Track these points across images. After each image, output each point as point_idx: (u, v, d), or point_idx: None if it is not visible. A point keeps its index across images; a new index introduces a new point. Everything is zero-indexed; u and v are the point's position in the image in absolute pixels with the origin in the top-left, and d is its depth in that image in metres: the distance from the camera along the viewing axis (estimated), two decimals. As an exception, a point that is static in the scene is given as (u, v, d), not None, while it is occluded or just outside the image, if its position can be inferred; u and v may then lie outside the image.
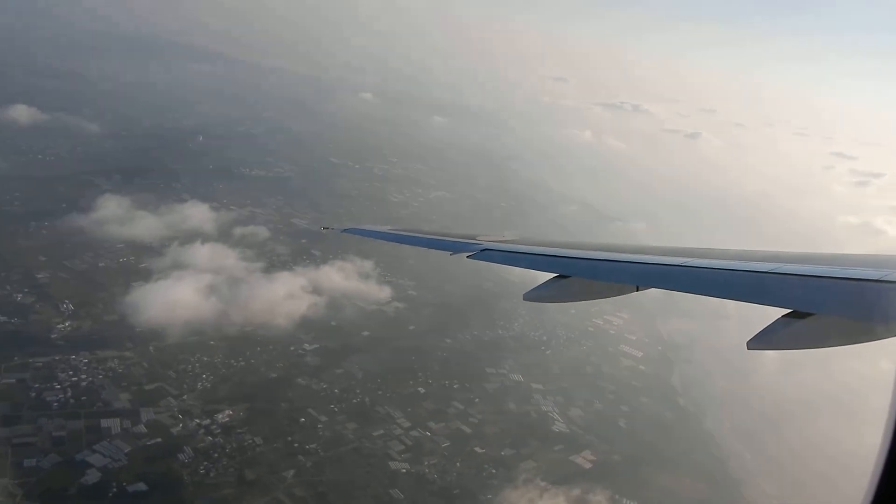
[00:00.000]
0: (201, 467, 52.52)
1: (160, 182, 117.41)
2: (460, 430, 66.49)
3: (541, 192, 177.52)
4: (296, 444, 57.94)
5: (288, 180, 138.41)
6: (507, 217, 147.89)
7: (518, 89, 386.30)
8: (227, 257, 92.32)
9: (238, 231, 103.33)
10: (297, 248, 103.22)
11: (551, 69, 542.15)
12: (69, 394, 57.29)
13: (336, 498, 53.17)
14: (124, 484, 48.98)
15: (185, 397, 60.73)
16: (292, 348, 73.81)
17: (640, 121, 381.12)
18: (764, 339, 6.02)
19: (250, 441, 56.86)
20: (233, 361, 68.17)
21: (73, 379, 59.39)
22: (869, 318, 5.94)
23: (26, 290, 73.01)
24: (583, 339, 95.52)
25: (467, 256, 9.65)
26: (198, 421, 57.74)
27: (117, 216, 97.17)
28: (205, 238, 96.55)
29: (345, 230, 14.30)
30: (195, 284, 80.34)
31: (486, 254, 9.53)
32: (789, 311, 6.05)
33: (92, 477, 49.03)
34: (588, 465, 65.28)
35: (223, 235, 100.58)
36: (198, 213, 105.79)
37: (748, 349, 6.13)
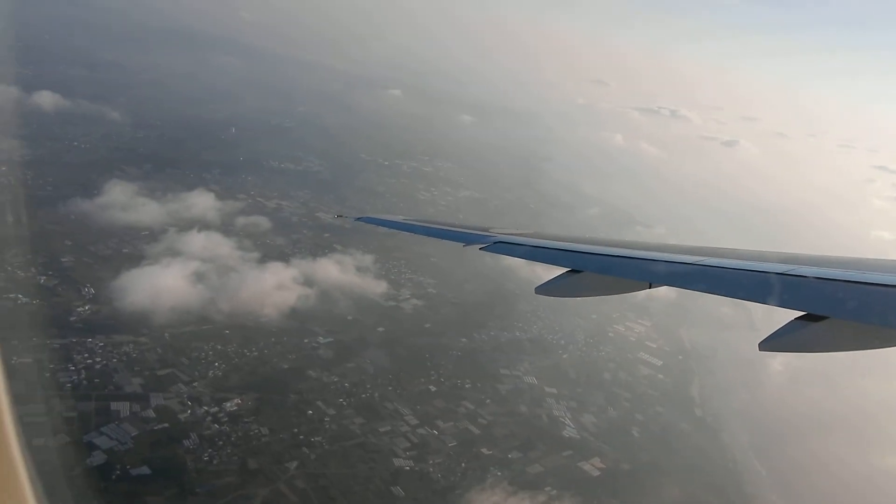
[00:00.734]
0: (205, 454, 52.91)
1: (190, 172, 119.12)
2: (468, 430, 66.01)
3: (570, 193, 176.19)
4: (301, 436, 58.03)
5: (317, 174, 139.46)
6: (534, 218, 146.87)
7: (556, 91, 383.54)
8: (226, 246, 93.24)
9: (244, 220, 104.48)
10: (305, 239, 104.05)
11: (592, 73, 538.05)
12: (83, 375, 58.20)
13: (337, 492, 53.13)
14: (128, 467, 49.55)
15: (195, 384, 61.32)
16: (306, 340, 74.11)
17: (676, 126, 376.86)
18: (776, 341, 5.97)
19: (256, 431, 57.14)
20: (246, 351, 68.68)
21: (88, 361, 60.34)
22: (885, 323, 5.77)
23: (50, 272, 74.45)
24: (602, 344, 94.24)
25: (480, 248, 9.73)
26: (206, 408, 58.22)
27: (142, 204, 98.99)
28: (225, 227, 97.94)
29: (358, 218, 14.43)
30: (185, 271, 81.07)
31: (499, 246, 9.56)
32: (803, 313, 5.98)
33: (97, 458, 49.72)
34: (596, 473, 64.25)
35: (246, 225, 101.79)
36: (224, 204, 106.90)
37: (760, 350, 6.12)
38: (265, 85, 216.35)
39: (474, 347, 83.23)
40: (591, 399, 78.25)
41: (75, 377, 57.84)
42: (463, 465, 60.25)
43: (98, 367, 60.23)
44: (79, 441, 51.29)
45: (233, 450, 54.24)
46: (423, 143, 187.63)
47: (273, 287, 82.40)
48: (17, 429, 5.29)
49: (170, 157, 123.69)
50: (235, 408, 59.17)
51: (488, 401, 71.88)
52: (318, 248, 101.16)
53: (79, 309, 68.17)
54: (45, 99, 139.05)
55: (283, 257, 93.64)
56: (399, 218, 13.65)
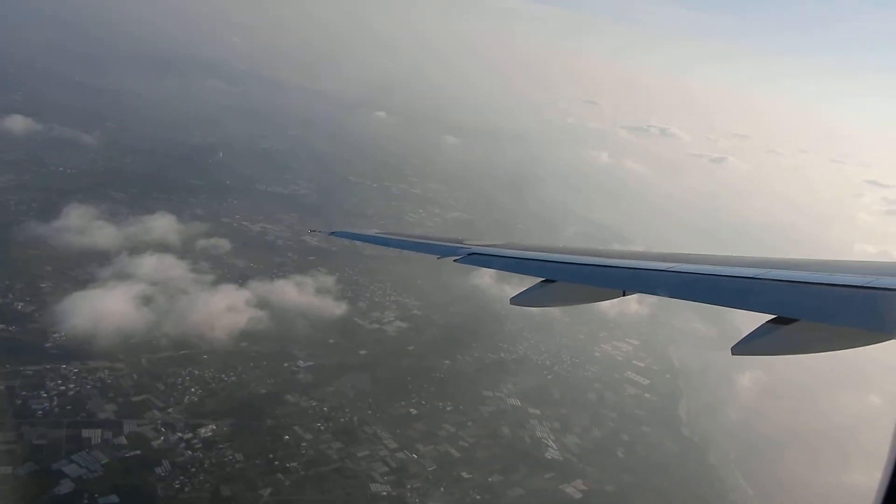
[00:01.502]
0: (177, 482, 52.08)
1: (175, 196, 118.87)
2: (449, 453, 65.20)
3: (558, 212, 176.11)
4: (277, 462, 57.22)
5: (304, 197, 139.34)
6: (523, 238, 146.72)
7: (543, 111, 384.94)
8: (178, 268, 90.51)
9: (202, 243, 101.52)
10: (290, 262, 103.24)
11: (583, 94, 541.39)
12: (55, 402, 57.48)
13: (311, 518, 52.31)
14: (96, 496, 48.72)
15: (170, 410, 60.57)
16: (286, 364, 73.44)
17: (665, 144, 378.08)
18: (748, 345, 6.07)
19: (230, 457, 56.34)
20: (223, 376, 67.97)
21: (61, 388, 59.65)
22: (853, 324, 5.84)
23: (28, 298, 73.94)
24: (588, 364, 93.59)
25: (454, 260, 9.60)
26: (180, 434, 57.43)
27: (98, 228, 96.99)
28: (183, 250, 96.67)
29: (332, 233, 14.49)
30: (130, 294, 78.57)
31: (473, 258, 9.50)
32: (774, 316, 6.07)
33: (65, 487, 48.88)
34: (578, 495, 63.48)
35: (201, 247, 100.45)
36: (185, 226, 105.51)
37: (732, 354, 6.12)
38: (255, 109, 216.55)
39: (457, 369, 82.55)
40: (575, 420, 77.51)
41: (47, 404, 57.17)
42: (442, 489, 59.45)
43: (71, 393, 59.59)
44: (47, 469, 50.50)
45: (205, 476, 53.42)
46: (412, 165, 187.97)
47: (223, 309, 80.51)
48: None
49: (155, 182, 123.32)
50: (210, 433, 58.41)
51: (470, 423, 71.12)
52: (303, 270, 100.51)
53: (55, 335, 67.49)
54: (17, 123, 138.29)
55: (244, 279, 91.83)
56: (373, 232, 13.63)
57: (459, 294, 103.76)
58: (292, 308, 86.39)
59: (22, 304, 72.50)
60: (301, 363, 74.30)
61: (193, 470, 53.68)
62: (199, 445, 56.66)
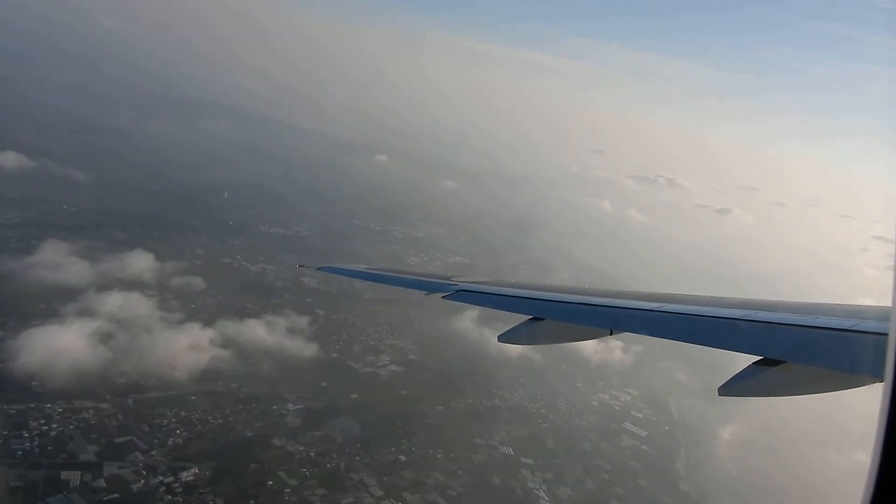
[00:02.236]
0: (153, 527, 51.05)
1: (176, 235, 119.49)
2: (436, 502, 63.81)
3: (561, 258, 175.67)
4: (257, 508, 56.09)
5: (305, 239, 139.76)
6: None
7: (549, 158, 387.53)
8: (144, 306, 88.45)
9: (176, 281, 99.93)
10: (287, 303, 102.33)
11: (591, 142, 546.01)
12: (36, 443, 56.85)
13: (288, 569, 50.92)
14: (69, 540, 47.73)
15: (153, 453, 59.71)
16: (275, 407, 72.55)
17: (671, 194, 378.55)
18: (734, 386, 6.13)
19: (211, 502, 55.23)
20: (210, 418, 67.16)
21: (44, 428, 59.04)
22: (838, 367, 5.92)
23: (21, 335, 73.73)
24: (585, 413, 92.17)
25: (442, 297, 9.60)
26: (161, 478, 56.47)
27: (72, 264, 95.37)
28: (157, 288, 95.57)
29: (320, 268, 14.40)
30: (87, 331, 76.80)
31: (462, 294, 9.52)
32: (760, 358, 6.13)
33: (38, 531, 47.95)
34: (568, 550, 61.68)
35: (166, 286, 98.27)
36: (163, 264, 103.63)
37: (719, 395, 6.26)
38: (264, 152, 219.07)
39: (450, 415, 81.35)
40: (568, 470, 75.93)
41: (28, 444, 56.53)
42: (426, 540, 57.91)
43: (53, 433, 58.94)
44: (21, 512, 49.55)
45: (183, 522, 52.30)
46: (416, 209, 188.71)
47: (186, 348, 78.85)
48: None
49: (158, 221, 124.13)
50: (192, 478, 57.42)
51: (460, 472, 69.75)
52: (299, 312, 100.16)
53: (41, 374, 66.95)
54: (23, 161, 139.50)
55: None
56: (361, 267, 13.72)
57: (457, 339, 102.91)
58: (285, 350, 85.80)
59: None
60: (290, 406, 73.42)
61: (171, 515, 52.61)
62: (180, 490, 55.65)
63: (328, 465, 64.52)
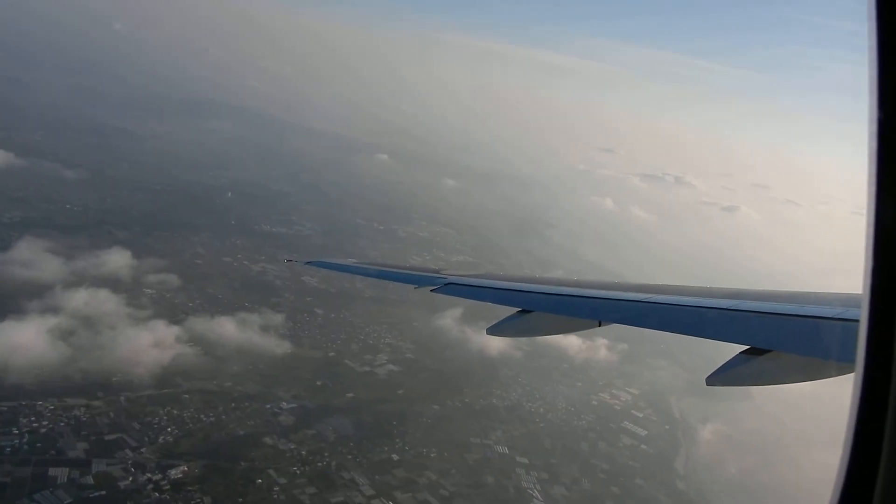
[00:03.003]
0: (139, 525, 50.90)
1: (178, 234, 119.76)
2: (427, 501, 63.39)
3: (565, 256, 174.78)
4: (245, 506, 55.85)
5: (308, 238, 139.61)
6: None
7: (556, 158, 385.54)
8: (111, 303, 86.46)
9: (151, 279, 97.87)
10: (286, 302, 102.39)
11: (602, 142, 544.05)
12: (25, 440, 56.89)
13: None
14: (53, 537, 47.65)
15: (143, 450, 59.61)
16: (268, 406, 72.33)
17: (678, 192, 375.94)
18: (722, 376, 6.14)
19: (198, 500, 55.02)
20: (203, 416, 67.03)
21: (34, 425, 59.09)
22: (824, 355, 5.96)
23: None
24: (584, 412, 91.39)
25: (431, 290, 9.52)
26: (149, 475, 56.34)
27: (44, 261, 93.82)
28: (129, 286, 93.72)
29: (308, 262, 14.53)
30: (48, 327, 75.13)
31: (450, 288, 9.48)
32: (748, 347, 6.14)
33: (22, 528, 47.91)
34: (560, 550, 61.04)
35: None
36: (140, 262, 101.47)
37: (707, 385, 6.32)
38: (271, 152, 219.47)
39: (446, 415, 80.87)
40: (564, 470, 75.27)
41: (17, 441, 56.57)
42: (415, 539, 57.46)
43: (43, 430, 58.96)
44: (7, 509, 49.56)
45: (169, 520, 52.14)
46: (421, 208, 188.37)
47: (149, 345, 77.41)
48: None
49: (160, 220, 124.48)
50: (180, 475, 57.25)
51: (453, 471, 69.26)
52: (298, 311, 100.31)
53: (35, 371, 67.10)
54: (14, 159, 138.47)
55: (151, 316, 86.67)
56: (350, 261, 13.79)
57: (456, 338, 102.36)
58: (281, 349, 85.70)
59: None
60: (284, 405, 73.17)
61: (158, 513, 52.47)
62: (168, 487, 55.49)
63: (319, 464, 64.22)
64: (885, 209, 2.55)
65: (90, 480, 54.40)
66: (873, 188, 2.55)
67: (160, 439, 61.83)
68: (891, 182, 2.52)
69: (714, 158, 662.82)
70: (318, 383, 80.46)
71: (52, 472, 54.18)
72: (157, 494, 54.38)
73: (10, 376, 65.03)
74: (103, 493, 53.40)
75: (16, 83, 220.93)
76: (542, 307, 8.38)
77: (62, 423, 60.39)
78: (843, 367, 5.52)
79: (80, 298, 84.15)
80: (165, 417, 65.25)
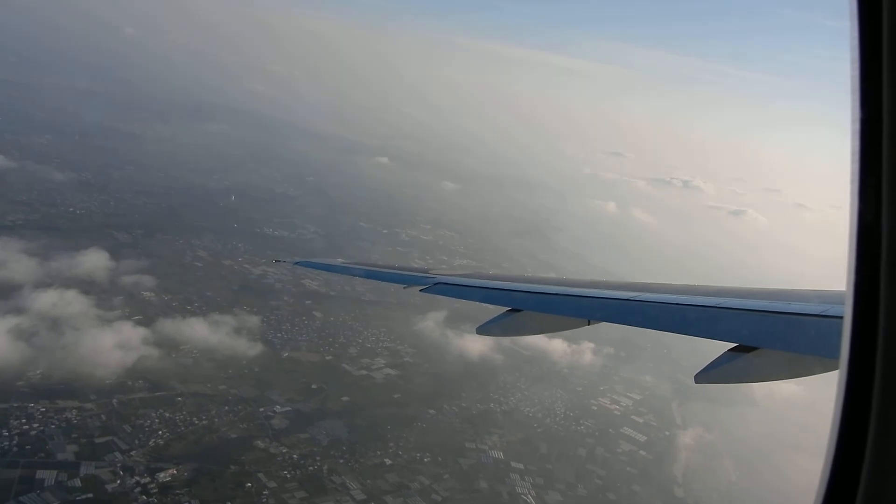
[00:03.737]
0: (124, 528, 50.68)
1: (179, 237, 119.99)
2: (419, 507, 62.81)
3: (572, 261, 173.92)
4: (233, 510, 55.53)
5: (310, 241, 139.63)
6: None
7: (564, 162, 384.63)
8: (79, 304, 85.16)
9: (128, 280, 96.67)
10: (286, 306, 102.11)
11: (613, 146, 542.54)
12: (15, 441, 56.86)
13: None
14: (37, 540, 47.50)
15: (132, 453, 59.43)
16: (262, 409, 72.03)
17: (685, 196, 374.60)
18: (710, 374, 6.19)
19: (186, 503, 54.79)
20: (195, 419, 66.82)
21: (25, 427, 59.10)
22: (810, 352, 6.03)
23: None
24: (583, 417, 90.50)
25: (420, 290, 9.55)
26: (137, 478, 56.12)
27: (17, 261, 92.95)
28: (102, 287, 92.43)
29: (297, 262, 14.54)
30: (8, 327, 74.04)
31: (439, 287, 9.50)
32: (735, 345, 6.18)
33: (7, 530, 47.80)
34: (551, 557, 60.31)
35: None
36: (118, 264, 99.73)
37: (696, 383, 6.35)
38: (277, 155, 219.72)
39: (442, 419, 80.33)
40: (560, 476, 74.48)
41: (7, 443, 56.60)
42: (404, 545, 56.93)
43: (34, 432, 58.91)
44: (-8, 511, 49.47)
45: (155, 524, 51.89)
46: (425, 212, 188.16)
47: (112, 346, 75.99)
48: None
49: (162, 223, 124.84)
50: (169, 478, 57.01)
51: (446, 476, 68.69)
52: (297, 314, 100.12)
53: (29, 373, 67.25)
54: (19, 164, 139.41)
55: (117, 317, 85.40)
56: (339, 261, 13.87)
57: (456, 343, 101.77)
58: (276, 352, 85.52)
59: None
60: (278, 408, 72.85)
61: (144, 516, 52.24)
62: (155, 490, 55.25)
63: (310, 468, 63.81)
64: (867, 207, 2.56)
65: (78, 483, 54.23)
66: (855, 186, 2.57)
67: (151, 442, 61.64)
68: (872, 180, 2.51)
69: (727, 163, 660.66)
70: (314, 387, 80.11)
71: (39, 474, 54.04)
72: (144, 497, 54.14)
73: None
74: (90, 495, 53.23)
75: (26, 88, 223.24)
76: (531, 306, 8.39)
77: (53, 426, 60.28)
78: (828, 363, 5.49)
79: (47, 299, 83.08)
80: (157, 420, 65.10)
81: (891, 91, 2.41)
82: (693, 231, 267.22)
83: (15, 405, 61.60)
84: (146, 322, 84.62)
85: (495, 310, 8.50)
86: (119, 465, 57.40)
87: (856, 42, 2.46)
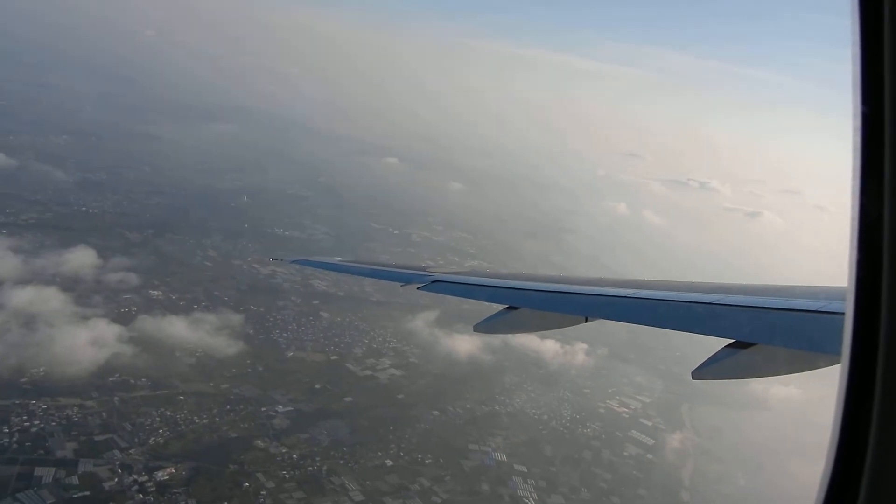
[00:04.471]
0: (119, 526, 50.68)
1: (190, 237, 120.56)
2: (418, 508, 62.30)
3: (585, 263, 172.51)
4: (230, 510, 55.37)
5: (320, 242, 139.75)
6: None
7: (580, 163, 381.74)
8: (57, 301, 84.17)
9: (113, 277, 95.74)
10: (292, 306, 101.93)
11: (631, 147, 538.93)
12: (15, 438, 57.16)
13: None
14: (32, 536, 47.61)
15: (131, 451, 59.53)
16: (264, 409, 71.89)
17: (700, 198, 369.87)
18: (708, 370, 6.21)
19: (183, 502, 54.69)
20: (196, 418, 66.83)
21: (25, 424, 59.42)
22: (808, 348, 5.99)
23: (17, 333, 74.67)
24: (590, 420, 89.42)
25: (418, 288, 9.54)
26: (135, 477, 56.16)
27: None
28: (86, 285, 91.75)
29: (294, 261, 14.97)
30: None
31: (437, 285, 9.49)
32: (733, 341, 6.17)
33: (2, 526, 47.97)
34: (551, 561, 59.51)
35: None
36: (106, 262, 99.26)
37: (693, 379, 6.30)
38: (291, 156, 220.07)
39: (445, 420, 79.75)
40: (563, 479, 73.59)
41: (6, 440, 56.89)
42: (401, 547, 56.45)
43: (34, 429, 59.22)
44: (-13, 508, 49.69)
45: (150, 522, 51.85)
46: (437, 213, 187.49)
47: (86, 342, 74.97)
48: None
49: (173, 223, 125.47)
50: (167, 477, 57.01)
51: (448, 477, 68.09)
52: (304, 314, 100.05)
53: (32, 370, 67.67)
54: (35, 164, 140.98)
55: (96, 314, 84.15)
56: (336, 260, 13.51)
57: (462, 343, 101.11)
58: (281, 352, 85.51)
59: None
60: (280, 408, 72.68)
61: (140, 514, 52.23)
62: (153, 489, 55.24)
63: (310, 468, 63.55)
64: (870, 202, 2.57)
65: (75, 481, 54.36)
66: (857, 182, 2.59)
67: (150, 440, 61.73)
68: (875, 176, 2.53)
69: (748, 165, 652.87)
70: (317, 387, 79.91)
71: (38, 471, 54.24)
72: (141, 496, 54.16)
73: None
74: (87, 493, 53.32)
75: (46, 89, 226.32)
76: (529, 304, 8.34)
77: (53, 423, 60.56)
78: (828, 358, 5.49)
79: (24, 296, 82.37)
80: (158, 419, 65.21)
81: (892, 86, 2.40)
82: (706, 232, 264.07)
83: (16, 402, 61.95)
84: (152, 320, 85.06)
85: (497, 307, 8.48)
86: (118, 462, 57.50)
87: (857, 38, 2.45)
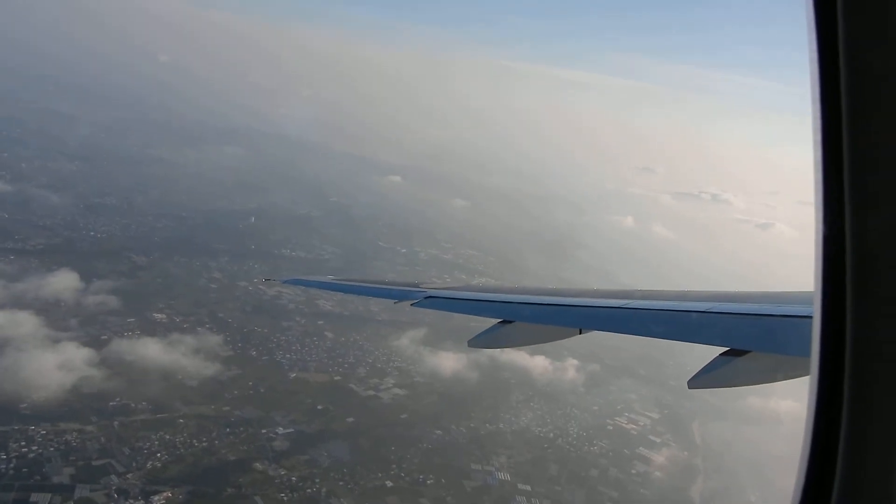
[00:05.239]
0: (114, 552, 50.32)
1: (196, 259, 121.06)
2: (418, 530, 61.47)
3: (597, 278, 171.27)
4: (226, 534, 54.88)
5: (327, 262, 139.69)
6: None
7: (589, 178, 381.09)
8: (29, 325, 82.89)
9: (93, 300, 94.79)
10: (296, 326, 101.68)
11: (643, 161, 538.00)
12: (12, 465, 57.10)
13: None
14: (25, 564, 47.33)
15: (129, 476, 59.28)
16: (264, 431, 71.54)
17: (712, 210, 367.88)
18: (703, 378, 6.24)
19: (178, 527, 54.33)
20: (195, 441, 66.53)
21: (24, 450, 59.37)
22: (802, 354, 5.58)
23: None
24: (597, 437, 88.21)
25: (411, 304, 9.53)
26: (131, 501, 55.93)
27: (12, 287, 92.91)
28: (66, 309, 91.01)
29: (286, 281, 15.93)
30: None
31: (431, 301, 9.44)
32: (727, 349, 6.17)
33: (-4, 554, 47.75)
34: (554, 583, 58.35)
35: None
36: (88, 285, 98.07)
37: (689, 388, 6.36)
38: (301, 177, 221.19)
39: (449, 440, 78.90)
40: (569, 498, 72.65)
41: (3, 466, 56.77)
42: (400, 570, 55.59)
43: (32, 455, 59.15)
44: (-18, 535, 49.53)
45: (145, 548, 51.44)
46: (444, 231, 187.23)
47: (55, 367, 73.48)
48: None
49: (179, 245, 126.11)
50: (163, 501, 56.76)
51: (449, 498, 67.26)
52: (308, 335, 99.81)
53: (32, 395, 67.77)
54: (43, 189, 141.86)
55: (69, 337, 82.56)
56: (328, 278, 13.44)
57: (467, 361, 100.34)
58: (284, 373, 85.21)
59: None
60: (280, 430, 72.26)
61: (134, 540, 51.86)
62: (148, 514, 54.93)
63: (309, 490, 62.98)
64: (831, 212, 2.59)
65: (70, 506, 54.15)
66: (819, 190, 2.62)
67: (148, 464, 61.46)
68: (835, 184, 2.55)
69: (763, 176, 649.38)
70: (319, 407, 79.46)
71: (34, 497, 54.09)
72: (136, 521, 53.79)
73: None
74: (82, 519, 53.04)
75: (58, 116, 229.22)
76: (522, 317, 8.31)
77: (52, 449, 60.50)
78: None
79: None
80: (157, 442, 64.97)
81: (849, 91, 2.37)
82: (715, 244, 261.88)
83: (15, 428, 61.99)
84: (159, 343, 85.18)
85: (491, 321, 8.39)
86: (114, 487, 57.26)
87: (814, 45, 2.42)
